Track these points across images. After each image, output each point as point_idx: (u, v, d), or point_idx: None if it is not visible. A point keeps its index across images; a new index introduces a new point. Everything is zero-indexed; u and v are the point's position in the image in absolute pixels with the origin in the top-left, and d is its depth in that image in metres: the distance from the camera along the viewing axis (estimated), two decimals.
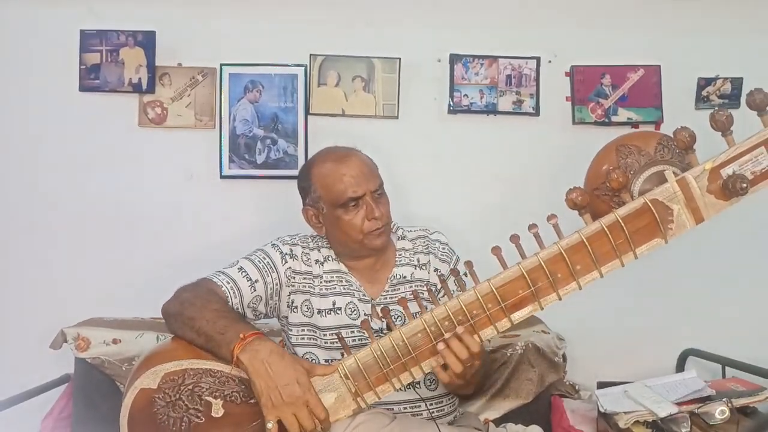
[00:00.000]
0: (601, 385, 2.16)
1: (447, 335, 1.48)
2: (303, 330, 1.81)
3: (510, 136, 2.53)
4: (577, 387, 2.34)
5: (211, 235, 2.49)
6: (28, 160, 2.49)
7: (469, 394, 1.84)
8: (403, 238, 1.92)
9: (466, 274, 1.54)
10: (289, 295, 1.82)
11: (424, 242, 1.91)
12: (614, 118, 2.50)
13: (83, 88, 2.46)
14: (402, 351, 1.50)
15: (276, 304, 1.82)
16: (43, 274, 2.48)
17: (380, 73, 2.49)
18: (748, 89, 2.44)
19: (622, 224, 1.38)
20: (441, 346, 1.48)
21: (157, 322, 2.28)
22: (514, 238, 1.44)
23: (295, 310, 1.81)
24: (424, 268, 1.88)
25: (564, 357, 2.29)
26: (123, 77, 2.46)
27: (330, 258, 1.86)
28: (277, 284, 1.80)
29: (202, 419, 1.53)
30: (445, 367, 1.51)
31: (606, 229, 1.39)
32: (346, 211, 1.76)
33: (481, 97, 2.50)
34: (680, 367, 2.45)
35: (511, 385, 2.23)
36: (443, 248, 1.92)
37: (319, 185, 1.80)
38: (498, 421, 2.14)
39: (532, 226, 1.42)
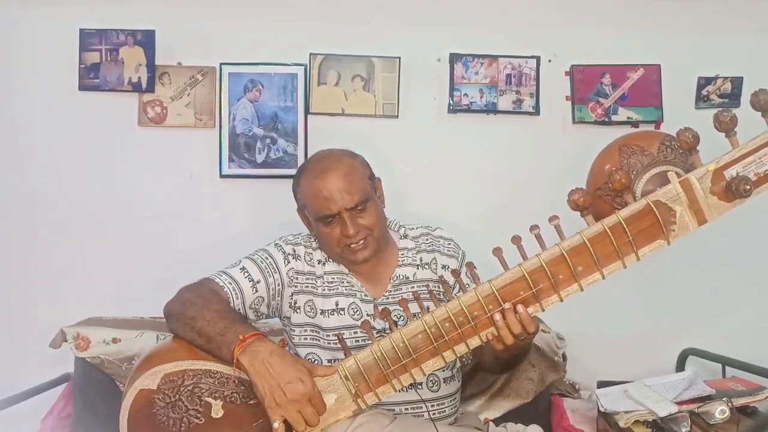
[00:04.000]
0: (601, 384, 2.16)
1: (506, 305, 1.45)
2: (306, 330, 1.81)
3: (510, 136, 2.53)
4: (577, 386, 2.34)
5: (210, 234, 2.49)
6: (27, 159, 2.48)
7: (503, 365, 1.80)
8: (405, 236, 1.91)
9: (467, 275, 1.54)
10: (292, 296, 1.81)
11: (428, 239, 1.91)
12: (614, 118, 2.50)
13: (83, 87, 2.46)
14: (402, 352, 1.50)
15: (278, 304, 1.82)
16: (43, 273, 2.48)
17: (380, 72, 2.49)
18: (748, 88, 2.49)
19: (624, 226, 1.37)
20: (498, 316, 1.45)
21: (156, 322, 2.28)
22: (516, 239, 1.43)
23: (298, 310, 1.81)
24: (427, 267, 1.87)
25: (564, 356, 2.29)
26: (123, 76, 2.46)
27: (331, 259, 1.85)
28: (279, 285, 1.80)
29: (201, 420, 1.53)
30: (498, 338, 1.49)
31: (608, 230, 1.38)
32: (324, 224, 1.76)
33: (481, 97, 2.50)
34: (680, 367, 2.45)
35: (511, 384, 2.23)
36: (448, 243, 1.91)
37: (302, 195, 1.82)
38: (498, 421, 2.14)
39: (533, 227, 1.41)
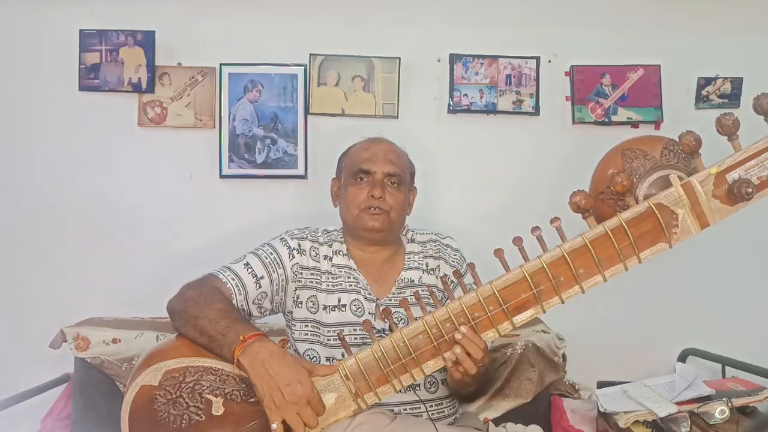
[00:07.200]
0: (601, 384, 2.16)
1: (461, 328, 1.47)
2: (306, 326, 1.81)
3: (510, 136, 2.53)
4: (577, 386, 2.34)
5: (210, 234, 2.48)
6: (27, 160, 2.48)
7: (470, 393, 1.82)
8: (412, 241, 1.93)
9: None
10: (295, 291, 1.82)
11: (435, 246, 1.92)
12: (614, 118, 2.50)
13: (83, 88, 2.46)
14: (403, 352, 1.50)
15: (282, 299, 1.83)
16: (43, 274, 2.47)
17: (380, 72, 2.49)
18: (747, 89, 2.50)
19: (626, 228, 1.38)
20: (458, 349, 1.47)
21: (156, 322, 2.28)
22: (517, 240, 1.43)
23: (299, 305, 1.81)
24: (432, 273, 1.88)
25: (564, 357, 2.29)
26: (123, 77, 2.45)
27: (341, 252, 1.86)
28: (283, 280, 1.80)
29: (202, 417, 1.52)
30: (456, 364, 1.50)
31: (610, 232, 1.38)
32: (354, 181, 1.85)
33: (481, 97, 2.50)
34: None
35: (511, 384, 2.23)
36: (455, 254, 1.92)
37: (348, 156, 1.94)
38: (498, 421, 2.15)
39: (534, 229, 1.41)
